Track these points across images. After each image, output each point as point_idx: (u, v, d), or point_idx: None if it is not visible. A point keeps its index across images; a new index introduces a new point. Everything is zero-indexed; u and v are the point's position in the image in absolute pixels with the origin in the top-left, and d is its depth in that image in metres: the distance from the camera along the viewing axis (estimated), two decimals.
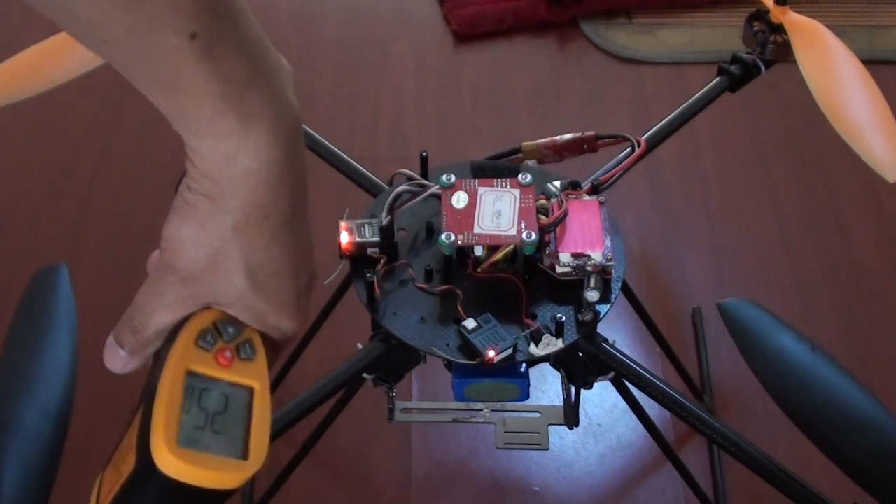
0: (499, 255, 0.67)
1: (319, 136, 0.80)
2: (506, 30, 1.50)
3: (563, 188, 0.71)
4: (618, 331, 1.13)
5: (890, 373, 1.11)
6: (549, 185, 0.71)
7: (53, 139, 1.36)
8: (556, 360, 0.71)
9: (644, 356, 1.11)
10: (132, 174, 1.31)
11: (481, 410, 0.85)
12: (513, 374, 0.67)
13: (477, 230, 0.67)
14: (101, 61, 0.75)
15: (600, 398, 1.08)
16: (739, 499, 1.01)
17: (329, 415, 0.82)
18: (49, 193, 1.29)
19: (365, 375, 0.71)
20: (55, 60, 0.78)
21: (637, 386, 0.72)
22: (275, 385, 1.01)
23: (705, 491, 0.96)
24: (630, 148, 0.76)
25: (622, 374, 0.71)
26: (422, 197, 0.71)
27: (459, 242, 0.66)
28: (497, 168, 0.74)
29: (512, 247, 0.67)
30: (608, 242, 0.67)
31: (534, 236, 0.66)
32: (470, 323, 0.65)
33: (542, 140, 0.77)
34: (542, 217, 0.68)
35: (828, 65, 0.78)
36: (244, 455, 0.40)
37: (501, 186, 0.69)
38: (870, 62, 0.81)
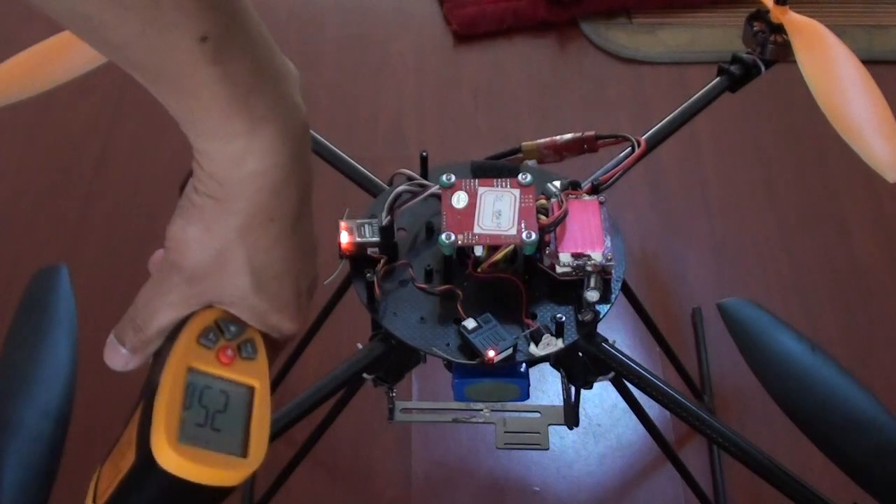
0: (499, 255, 0.67)
1: (320, 136, 0.80)
2: (506, 30, 1.50)
3: (563, 188, 0.71)
4: (618, 331, 1.13)
5: (890, 373, 1.11)
6: (549, 185, 0.71)
7: (53, 139, 1.36)
8: (556, 360, 0.71)
9: (644, 356, 1.11)
10: (132, 174, 1.31)
11: (481, 410, 0.85)
12: (513, 374, 0.67)
13: (477, 230, 0.67)
14: (101, 61, 0.75)
15: (600, 398, 1.08)
16: (739, 499, 1.01)
17: (329, 415, 0.82)
18: (49, 193, 1.29)
19: (365, 375, 0.71)
20: (55, 60, 0.78)
21: (637, 386, 0.72)
22: (275, 385, 1.01)
23: (705, 491, 0.96)
24: (630, 148, 0.76)
25: (622, 374, 0.71)
26: (422, 197, 0.71)
27: (459, 242, 0.66)
28: (497, 168, 0.74)
29: (512, 247, 0.67)
30: (608, 242, 0.67)
31: (534, 236, 0.66)
32: (470, 323, 0.65)
33: (542, 140, 0.77)
34: (542, 217, 0.68)
35: (828, 65, 0.78)
36: (244, 453, 0.40)
37: (501, 186, 0.69)
38: (870, 62, 0.81)
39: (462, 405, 0.86)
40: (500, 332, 0.65)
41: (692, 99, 0.81)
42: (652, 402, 0.73)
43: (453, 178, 0.69)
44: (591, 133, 0.76)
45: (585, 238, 0.67)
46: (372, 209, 0.73)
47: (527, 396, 0.68)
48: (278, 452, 0.94)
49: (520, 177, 0.70)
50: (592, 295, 0.66)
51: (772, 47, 0.81)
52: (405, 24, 1.53)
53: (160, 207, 1.24)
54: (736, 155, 1.34)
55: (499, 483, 1.04)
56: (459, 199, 0.68)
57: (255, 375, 0.43)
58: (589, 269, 0.66)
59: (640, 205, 1.28)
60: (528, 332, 0.66)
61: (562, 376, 0.74)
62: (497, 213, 0.67)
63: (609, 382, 0.72)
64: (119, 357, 0.43)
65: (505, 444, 0.87)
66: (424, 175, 0.73)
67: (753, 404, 1.07)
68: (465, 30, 1.49)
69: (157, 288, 0.42)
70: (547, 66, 1.47)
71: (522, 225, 0.67)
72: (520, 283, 0.68)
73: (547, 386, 1.07)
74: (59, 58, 0.78)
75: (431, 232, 0.72)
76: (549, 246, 0.67)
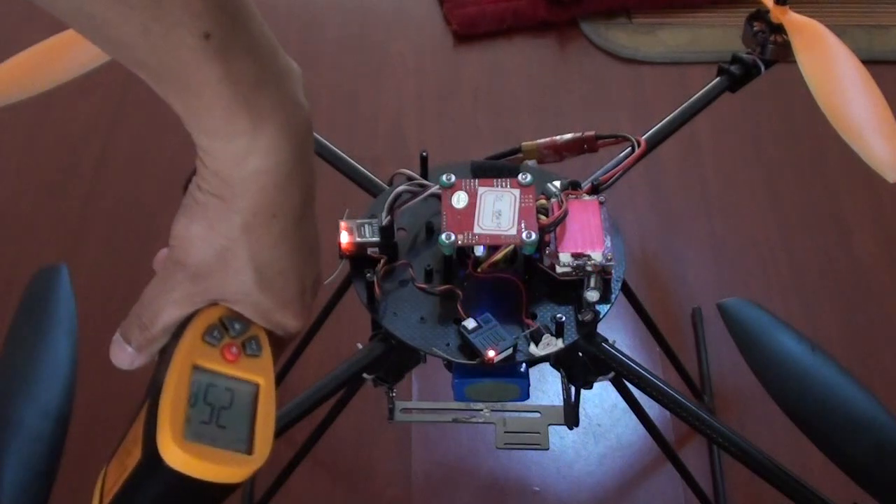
0: (499, 255, 0.67)
1: (320, 137, 0.80)
2: (506, 30, 1.50)
3: (563, 188, 0.71)
4: (618, 331, 1.13)
5: (890, 373, 1.11)
6: (549, 185, 0.71)
7: (53, 139, 1.36)
8: (556, 360, 0.71)
9: (644, 356, 1.11)
10: (132, 174, 1.31)
11: (481, 410, 0.86)
12: (513, 374, 0.67)
13: (477, 230, 0.67)
14: (102, 61, 0.75)
15: (600, 398, 1.08)
16: (739, 499, 1.01)
17: (329, 415, 0.82)
18: (49, 193, 1.29)
19: (365, 375, 0.71)
20: (55, 60, 0.78)
21: (637, 386, 0.72)
22: (275, 384, 1.01)
23: (705, 491, 0.96)
24: (630, 148, 0.76)
25: (622, 374, 0.71)
26: (422, 197, 0.71)
27: (459, 242, 0.66)
28: (497, 168, 0.74)
29: (512, 247, 0.67)
30: (608, 242, 0.67)
31: (534, 236, 0.66)
32: (470, 323, 0.65)
33: (542, 140, 0.77)
34: (542, 217, 0.68)
35: (828, 65, 0.78)
36: (249, 450, 0.40)
37: (501, 186, 0.69)
38: (870, 62, 0.81)
39: (462, 405, 0.86)
40: (500, 332, 0.65)
41: (692, 99, 0.82)
42: (652, 402, 0.73)
43: (453, 178, 0.69)
44: (591, 133, 0.76)
45: (585, 238, 0.67)
46: (372, 209, 0.73)
47: (527, 396, 0.68)
48: (278, 452, 0.94)
49: (520, 177, 0.70)
50: (592, 295, 0.66)
51: (772, 47, 0.81)
52: (405, 24, 1.53)
53: (160, 207, 1.24)
54: (736, 155, 1.34)
55: (499, 483, 1.04)
56: (459, 199, 0.68)
57: (259, 372, 0.43)
58: (589, 269, 0.66)
59: (640, 205, 1.28)
60: (528, 332, 0.66)
61: (562, 376, 0.75)
62: (497, 213, 0.67)
63: (609, 382, 0.72)
64: (125, 355, 0.43)
65: (505, 444, 0.87)
66: (424, 175, 0.74)
67: (753, 404, 1.07)
68: (465, 30, 1.49)
69: (162, 286, 0.43)
70: (547, 66, 1.47)
71: (522, 225, 0.67)
72: (520, 283, 0.68)
73: (547, 386, 1.07)
74: (59, 58, 0.78)
75: (431, 232, 0.72)
76: (549, 246, 0.67)
